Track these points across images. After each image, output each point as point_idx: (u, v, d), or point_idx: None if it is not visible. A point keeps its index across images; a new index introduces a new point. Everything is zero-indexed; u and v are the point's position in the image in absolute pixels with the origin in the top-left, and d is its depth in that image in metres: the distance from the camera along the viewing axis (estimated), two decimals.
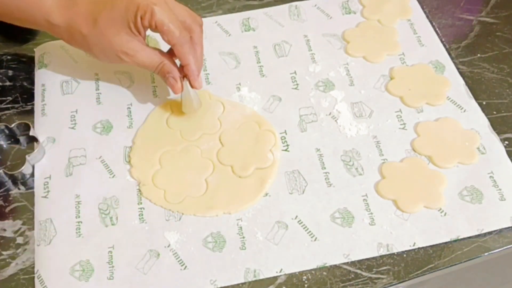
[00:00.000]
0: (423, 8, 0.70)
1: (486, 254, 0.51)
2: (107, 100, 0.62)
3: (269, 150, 0.57)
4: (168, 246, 0.52)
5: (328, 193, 0.55)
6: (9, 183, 0.56)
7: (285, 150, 0.58)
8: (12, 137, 0.59)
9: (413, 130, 0.59)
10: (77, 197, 0.55)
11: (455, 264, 0.51)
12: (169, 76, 0.56)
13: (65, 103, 0.62)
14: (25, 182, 0.56)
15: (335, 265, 0.50)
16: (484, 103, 0.61)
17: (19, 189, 0.56)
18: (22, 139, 0.59)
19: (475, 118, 0.60)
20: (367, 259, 0.51)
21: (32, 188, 0.56)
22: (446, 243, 0.51)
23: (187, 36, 0.55)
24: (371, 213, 0.53)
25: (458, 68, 0.64)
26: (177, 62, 0.57)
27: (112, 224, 0.53)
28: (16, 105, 0.62)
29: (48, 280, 0.50)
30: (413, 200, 0.54)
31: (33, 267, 0.51)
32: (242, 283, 0.50)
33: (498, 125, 0.59)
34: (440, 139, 0.58)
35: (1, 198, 0.55)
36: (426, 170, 0.56)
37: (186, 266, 0.51)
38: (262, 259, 0.51)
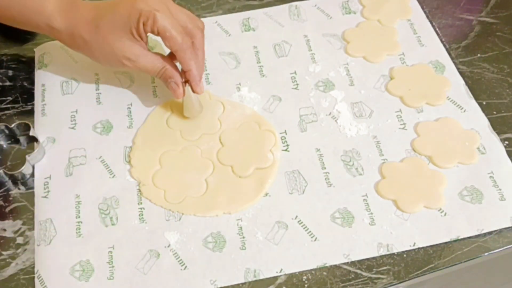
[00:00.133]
0: (423, 8, 0.70)
1: (486, 254, 0.51)
2: (107, 100, 0.62)
3: (269, 150, 0.57)
4: (168, 246, 0.52)
5: (328, 193, 0.55)
6: (9, 183, 0.56)
7: (285, 150, 0.58)
8: (12, 137, 0.59)
9: (413, 130, 0.59)
10: (77, 197, 0.55)
11: (455, 264, 0.51)
12: (171, 81, 0.56)
13: (65, 103, 0.62)
14: (25, 182, 0.56)
15: (335, 265, 0.50)
16: (484, 103, 0.61)
17: (19, 189, 0.56)
18: (22, 139, 0.59)
19: (475, 118, 0.60)
20: (367, 259, 0.51)
21: (32, 188, 0.56)
22: (446, 243, 0.51)
23: (189, 41, 0.55)
24: (371, 213, 0.53)
25: (458, 68, 0.64)
26: (179, 65, 0.57)
27: (112, 224, 0.53)
28: (16, 105, 0.62)
29: (48, 280, 0.50)
30: (413, 200, 0.54)
31: (33, 267, 0.51)
32: (242, 283, 0.50)
33: (498, 125, 0.59)
34: (440, 139, 0.58)
35: (1, 198, 0.55)
36: (426, 170, 0.56)
37: (186, 266, 0.51)
38: (262, 259, 0.51)
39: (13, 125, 0.58)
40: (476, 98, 0.61)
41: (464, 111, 0.60)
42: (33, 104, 0.62)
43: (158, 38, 0.54)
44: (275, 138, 0.58)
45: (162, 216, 0.53)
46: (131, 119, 0.60)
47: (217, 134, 0.59)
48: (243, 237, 0.52)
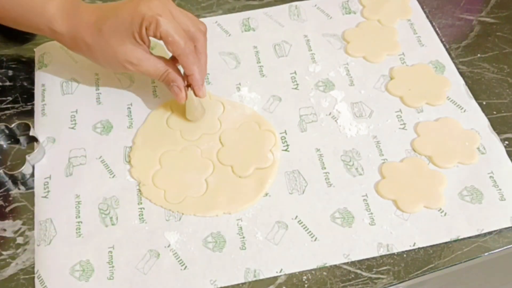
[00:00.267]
0: (423, 8, 0.70)
1: (486, 254, 0.51)
2: (107, 100, 0.62)
3: (269, 150, 0.57)
4: (168, 246, 0.52)
5: (328, 193, 0.55)
6: (9, 183, 0.56)
7: (285, 150, 0.58)
8: (12, 137, 0.59)
9: (413, 130, 0.59)
10: (77, 197, 0.55)
11: (455, 264, 0.51)
12: (173, 85, 0.56)
13: (65, 103, 0.62)
14: (25, 182, 0.56)
15: (335, 265, 0.50)
16: (484, 103, 0.61)
17: (19, 189, 0.56)
18: (22, 139, 0.59)
19: (475, 118, 0.60)
20: (367, 259, 0.51)
21: (32, 188, 0.56)
22: (446, 243, 0.51)
23: (192, 46, 0.55)
24: (371, 213, 0.53)
25: (458, 68, 0.64)
26: (181, 68, 0.57)
27: (112, 224, 0.53)
28: (16, 105, 0.62)
29: (48, 280, 0.50)
30: (413, 200, 0.54)
31: (33, 267, 0.51)
32: (242, 283, 0.50)
33: (498, 125, 0.59)
34: (440, 139, 0.58)
35: (1, 198, 0.55)
36: (426, 170, 0.56)
37: (186, 266, 0.51)
38: (262, 259, 0.51)
39: (13, 125, 0.58)
40: (476, 98, 0.61)
41: (464, 111, 0.60)
42: (33, 104, 0.62)
43: (160, 41, 0.54)
44: (275, 138, 0.58)
45: (162, 216, 0.53)
46: (131, 119, 0.60)
47: (217, 134, 0.59)
48: (243, 237, 0.52)
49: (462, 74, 0.63)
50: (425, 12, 0.70)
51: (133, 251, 0.51)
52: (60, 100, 0.62)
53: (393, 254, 0.51)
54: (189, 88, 0.57)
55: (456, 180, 0.55)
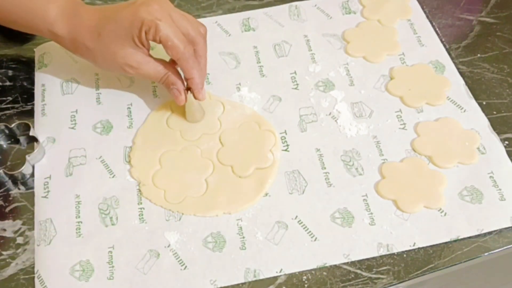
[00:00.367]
0: (423, 8, 0.70)
1: (486, 254, 0.51)
2: (107, 100, 0.62)
3: (269, 150, 0.57)
4: (168, 246, 0.52)
5: (328, 193, 0.55)
6: (9, 183, 0.56)
7: (285, 150, 0.58)
8: (12, 137, 0.59)
9: (413, 130, 0.59)
10: (77, 197, 0.55)
11: (455, 264, 0.51)
12: (173, 88, 0.57)
13: (65, 103, 0.62)
14: (25, 182, 0.56)
15: (335, 265, 0.50)
16: (484, 103, 0.61)
17: (19, 189, 0.56)
18: (22, 139, 0.59)
19: (475, 118, 0.60)
20: (367, 259, 0.51)
21: (32, 188, 0.56)
22: (446, 243, 0.51)
23: (191, 50, 0.55)
24: (371, 213, 0.53)
25: (458, 68, 0.64)
26: (180, 70, 0.57)
27: (112, 224, 0.53)
28: (16, 105, 0.62)
29: (48, 280, 0.50)
30: (413, 200, 0.54)
31: (33, 267, 0.51)
32: (242, 283, 0.50)
33: (498, 125, 0.59)
34: (440, 139, 0.58)
35: (1, 198, 0.55)
36: (426, 170, 0.56)
37: (186, 266, 0.51)
38: (262, 259, 0.51)
39: (13, 125, 0.58)
40: (476, 98, 0.61)
41: (464, 111, 0.60)
42: (33, 104, 0.62)
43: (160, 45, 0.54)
44: (275, 138, 0.58)
45: (162, 216, 0.53)
46: (131, 119, 0.60)
47: (217, 134, 0.59)
48: (243, 237, 0.52)
49: (462, 74, 0.63)
50: (425, 12, 0.70)
51: (133, 251, 0.51)
52: (60, 100, 0.62)
53: (393, 254, 0.51)
54: (189, 91, 0.57)
55: (456, 180, 0.55)
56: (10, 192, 0.56)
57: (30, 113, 0.61)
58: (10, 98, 0.62)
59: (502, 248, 0.51)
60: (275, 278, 0.50)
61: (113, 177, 0.56)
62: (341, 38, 0.67)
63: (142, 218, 0.53)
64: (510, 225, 0.52)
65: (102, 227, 0.53)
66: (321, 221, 0.53)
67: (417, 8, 0.70)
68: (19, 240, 0.52)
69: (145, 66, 0.56)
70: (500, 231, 0.52)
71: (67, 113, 0.61)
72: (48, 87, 0.63)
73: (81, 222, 0.53)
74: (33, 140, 0.58)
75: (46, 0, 0.56)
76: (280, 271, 0.50)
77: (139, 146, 0.58)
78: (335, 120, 0.60)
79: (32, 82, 0.64)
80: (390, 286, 0.50)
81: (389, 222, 0.53)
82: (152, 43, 0.55)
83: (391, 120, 0.60)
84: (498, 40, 0.67)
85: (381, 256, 0.51)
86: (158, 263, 0.51)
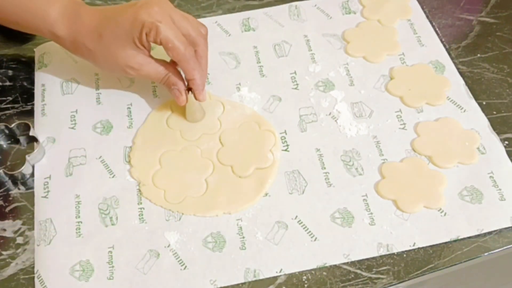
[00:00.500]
0: (423, 8, 0.70)
1: (486, 254, 0.51)
2: (107, 100, 0.62)
3: (269, 150, 0.57)
4: (168, 246, 0.52)
5: (328, 193, 0.55)
6: (9, 183, 0.56)
7: (285, 150, 0.58)
8: (12, 137, 0.59)
9: (413, 130, 0.59)
10: (77, 197, 0.55)
11: (455, 264, 0.51)
12: (174, 88, 0.57)
13: (65, 103, 0.62)
14: (25, 182, 0.56)
15: (335, 265, 0.50)
16: (484, 103, 0.61)
17: (19, 189, 0.56)
18: (22, 139, 0.59)
19: (475, 118, 0.60)
20: (367, 259, 0.51)
21: (32, 188, 0.56)
22: (446, 243, 0.51)
23: (192, 51, 0.55)
24: (371, 213, 0.53)
25: (458, 68, 0.64)
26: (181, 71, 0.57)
27: (112, 224, 0.53)
28: (16, 105, 0.62)
29: (48, 280, 0.50)
30: (413, 200, 0.54)
31: (33, 267, 0.51)
32: (242, 283, 0.50)
33: (498, 125, 0.59)
34: (440, 139, 0.58)
35: (1, 198, 0.55)
36: (426, 170, 0.56)
37: (186, 266, 0.51)
38: (262, 259, 0.51)
39: (13, 125, 0.58)
40: (476, 98, 0.61)
41: (464, 111, 0.60)
42: (33, 104, 0.62)
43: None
44: (275, 138, 0.58)
45: (162, 216, 0.53)
46: (131, 119, 0.60)
47: (217, 134, 0.59)
48: (243, 237, 0.52)
49: (462, 74, 0.63)
50: (425, 12, 0.70)
51: (133, 251, 0.51)
52: (60, 100, 0.62)
53: (393, 254, 0.51)
54: (190, 91, 0.57)
55: (456, 180, 0.55)
56: (10, 192, 0.56)
57: (30, 113, 0.61)
58: (10, 98, 0.62)
59: (502, 248, 0.51)
60: (275, 278, 0.50)
61: (113, 177, 0.56)
62: (341, 38, 0.67)
63: (142, 218, 0.53)
64: (510, 225, 0.52)
65: (102, 227, 0.53)
66: (321, 221, 0.53)
67: (417, 8, 0.70)
68: (19, 240, 0.52)
69: (146, 67, 0.56)
70: (500, 231, 0.52)
71: (67, 113, 0.61)
72: (48, 87, 0.63)
73: (81, 222, 0.53)
74: (33, 140, 0.58)
75: (46, 0, 0.57)
76: (280, 271, 0.50)
77: (139, 146, 0.58)
78: (335, 120, 0.60)
79: (32, 82, 0.64)
80: (390, 286, 0.50)
81: (389, 222, 0.53)
82: (152, 44, 0.55)
83: (391, 120, 0.60)
84: (498, 40, 0.67)
85: (381, 256, 0.51)
86: (158, 263, 0.51)
